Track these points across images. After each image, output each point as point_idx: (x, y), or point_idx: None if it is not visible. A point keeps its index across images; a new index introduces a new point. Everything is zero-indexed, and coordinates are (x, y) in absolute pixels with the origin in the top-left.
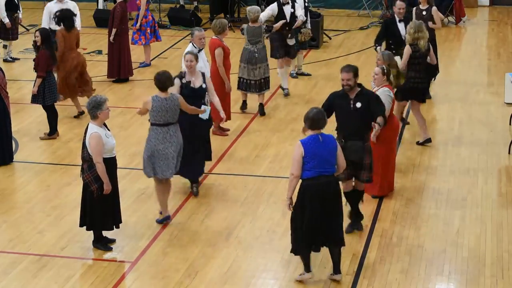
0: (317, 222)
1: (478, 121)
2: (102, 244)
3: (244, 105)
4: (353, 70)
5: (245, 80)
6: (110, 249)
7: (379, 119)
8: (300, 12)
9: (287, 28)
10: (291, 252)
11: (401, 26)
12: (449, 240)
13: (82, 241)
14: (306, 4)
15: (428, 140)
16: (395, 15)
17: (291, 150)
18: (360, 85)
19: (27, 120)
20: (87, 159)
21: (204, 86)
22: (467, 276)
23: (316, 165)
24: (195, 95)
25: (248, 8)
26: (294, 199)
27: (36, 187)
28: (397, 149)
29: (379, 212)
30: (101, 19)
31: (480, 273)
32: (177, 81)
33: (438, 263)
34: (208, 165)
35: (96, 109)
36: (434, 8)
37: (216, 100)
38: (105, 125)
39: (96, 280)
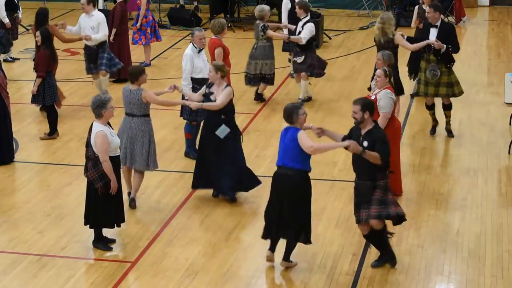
0: (270, 210)
1: (478, 121)
2: (103, 243)
3: (257, 95)
4: (361, 103)
5: (246, 74)
6: (110, 249)
7: (369, 154)
8: (303, 35)
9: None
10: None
11: (432, 31)
12: (449, 240)
13: (82, 241)
14: None
15: None
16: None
17: None
18: (374, 121)
19: (27, 120)
20: (91, 157)
21: None
22: (467, 276)
23: (280, 155)
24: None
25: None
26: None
27: (36, 187)
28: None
29: None
30: None
31: (480, 273)
32: (202, 88)
33: (438, 263)
34: None
35: (101, 108)
36: None
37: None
38: (108, 124)
39: (96, 280)
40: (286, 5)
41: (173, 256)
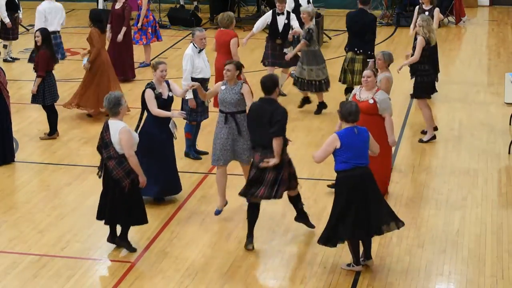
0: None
1: (478, 121)
2: (128, 243)
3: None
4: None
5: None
6: (134, 250)
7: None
8: (296, 24)
9: (279, 37)
10: (319, 242)
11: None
12: (449, 240)
13: (82, 241)
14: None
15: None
16: None
17: (291, 149)
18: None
19: (27, 120)
20: (114, 156)
21: (171, 95)
22: (467, 276)
23: (352, 157)
24: (165, 105)
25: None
26: None
27: (36, 187)
28: (396, 149)
29: None
30: None
31: (480, 273)
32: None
33: (438, 263)
34: (208, 165)
35: (117, 105)
36: (436, 9)
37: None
38: None
39: (96, 280)
40: (289, 4)
41: (173, 256)
